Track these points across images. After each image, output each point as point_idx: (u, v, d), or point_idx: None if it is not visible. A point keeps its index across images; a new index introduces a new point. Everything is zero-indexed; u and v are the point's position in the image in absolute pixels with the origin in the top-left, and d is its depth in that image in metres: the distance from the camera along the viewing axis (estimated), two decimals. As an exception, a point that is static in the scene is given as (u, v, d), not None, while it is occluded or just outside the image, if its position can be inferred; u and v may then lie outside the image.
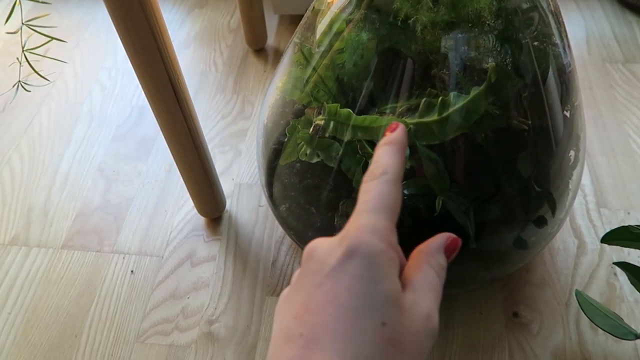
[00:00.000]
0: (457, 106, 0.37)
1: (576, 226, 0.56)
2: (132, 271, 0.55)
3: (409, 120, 0.39)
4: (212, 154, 0.64)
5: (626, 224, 0.57)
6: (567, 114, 0.43)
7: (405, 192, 0.42)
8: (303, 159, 0.44)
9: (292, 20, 0.81)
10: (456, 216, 0.41)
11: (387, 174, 0.24)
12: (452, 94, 0.37)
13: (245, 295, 0.52)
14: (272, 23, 0.80)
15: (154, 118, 0.68)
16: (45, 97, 0.73)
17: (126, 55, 0.77)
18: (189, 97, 0.44)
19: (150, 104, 0.43)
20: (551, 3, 0.38)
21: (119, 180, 0.63)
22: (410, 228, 0.45)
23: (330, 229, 0.48)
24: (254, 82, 0.72)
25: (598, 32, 0.76)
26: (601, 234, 0.56)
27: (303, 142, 0.44)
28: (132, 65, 0.39)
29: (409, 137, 0.39)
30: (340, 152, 0.42)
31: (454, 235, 0.27)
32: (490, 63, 0.36)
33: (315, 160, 0.43)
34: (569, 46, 0.41)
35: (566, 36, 0.40)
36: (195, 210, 0.58)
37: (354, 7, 0.39)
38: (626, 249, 0.55)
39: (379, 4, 0.37)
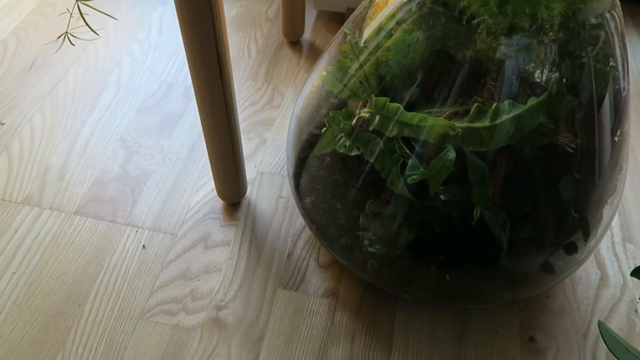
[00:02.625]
0: (511, 114, 0.36)
1: (600, 258, 0.55)
2: (143, 246, 0.53)
3: (458, 124, 0.38)
4: (238, 139, 0.63)
5: (651, 262, 0.56)
6: (616, 140, 0.42)
7: (442, 197, 0.41)
8: (341, 151, 0.43)
9: (329, 17, 0.80)
10: (492, 228, 0.40)
11: None
12: (507, 102, 0.36)
13: (257, 285, 0.51)
14: (310, 17, 0.79)
15: (181, 96, 0.67)
16: (74, 61, 0.72)
17: (160, 30, 0.76)
18: (232, 76, 0.43)
19: (192, 76, 0.42)
20: (619, 24, 0.37)
21: (140, 153, 0.61)
22: (440, 236, 0.44)
23: (354, 227, 0.47)
24: (286, 73, 0.71)
25: (637, 69, 0.75)
26: (625, 269, 0.55)
27: (342, 134, 0.43)
28: (183, 34, 0.38)
29: (456, 141, 0.38)
30: (380, 148, 0.41)
31: None
32: (553, 75, 0.35)
33: (354, 153, 0.42)
34: (628, 70, 0.40)
35: (627, 60, 0.39)
36: (214, 193, 0.57)
37: (419, 1, 0.38)
38: (649, 288, 0.53)
39: None
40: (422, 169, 0.39)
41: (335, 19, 0.79)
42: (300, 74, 0.72)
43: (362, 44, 0.45)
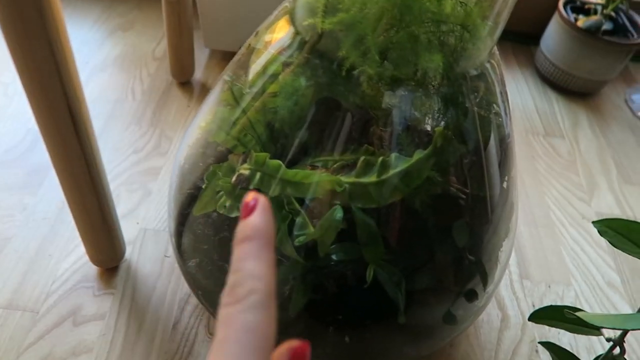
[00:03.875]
0: (398, 169, 0.33)
1: (500, 298, 0.55)
2: (-4, 328, 0.45)
3: (344, 179, 0.35)
4: (117, 192, 0.56)
5: (546, 299, 0.56)
6: (505, 185, 0.41)
7: (334, 257, 0.37)
8: (221, 212, 0.38)
9: (223, 56, 0.76)
10: (387, 288, 0.37)
11: (254, 294, 0.17)
12: (393, 155, 0.34)
13: (137, 363, 0.44)
14: (202, 56, 0.75)
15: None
16: None
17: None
18: (90, 126, 0.37)
19: (40, 129, 0.35)
20: (498, 72, 0.37)
21: (-3, 215, 0.53)
22: (335, 296, 0.41)
23: (245, 291, 0.42)
24: (175, 117, 0.66)
25: (522, 105, 0.79)
26: (524, 307, 0.54)
27: (223, 192, 0.38)
28: (22, 82, 0.32)
29: (344, 197, 0.35)
30: (264, 207, 0.37)
31: (300, 344, 0.20)
32: (437, 127, 0.33)
33: (235, 214, 0.37)
34: (510, 116, 0.40)
35: (508, 106, 0.39)
36: (86, 257, 0.50)
37: (295, 49, 0.35)
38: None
39: (324, 49, 0.34)
40: (310, 229, 0.36)
41: (229, 58, 0.75)
42: (191, 116, 0.67)
43: (245, 90, 0.41)
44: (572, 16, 0.78)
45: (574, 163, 0.71)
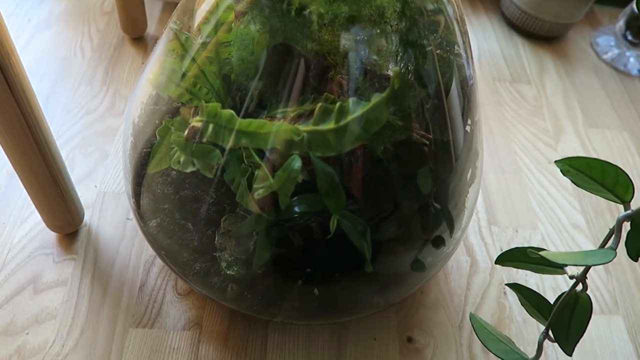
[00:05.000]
0: (356, 114, 0.32)
1: (469, 244, 0.55)
2: (-50, 301, 0.43)
3: (302, 128, 0.33)
4: (71, 156, 0.54)
5: (514, 243, 0.57)
6: (468, 129, 0.41)
7: (296, 209, 0.36)
8: (176, 167, 0.37)
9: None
10: (352, 238, 0.36)
11: None
12: (350, 100, 0.33)
13: (103, 327, 0.43)
14: (154, 10, 0.71)
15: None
16: None
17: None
18: (27, 85, 0.34)
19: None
20: (457, 10, 0.35)
21: (-57, 184, 0.50)
22: (301, 249, 0.40)
23: (210, 248, 0.41)
24: (129, 74, 0.63)
25: (488, 51, 0.78)
26: (492, 252, 0.55)
27: (176, 147, 0.37)
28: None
29: (302, 146, 0.34)
30: (221, 161, 0.36)
31: None
32: (393, 68, 0.32)
33: (190, 169, 0.36)
34: (472, 57, 0.38)
35: (470, 47, 0.38)
36: (43, 224, 0.48)
37: (241, -11, 0.33)
38: (515, 268, 0.54)
39: (271, -13, 0.32)
40: (269, 181, 0.34)
41: (184, 11, 0.72)
42: (147, 74, 0.64)
43: (194, 39, 0.39)
44: (538, -43, 0.76)
45: (540, 108, 0.71)
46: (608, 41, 0.81)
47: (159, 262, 0.48)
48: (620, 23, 0.80)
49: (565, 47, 0.81)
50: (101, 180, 0.53)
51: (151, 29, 0.68)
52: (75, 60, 0.63)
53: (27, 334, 0.42)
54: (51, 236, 0.48)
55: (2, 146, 0.38)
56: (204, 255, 0.42)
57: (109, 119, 0.58)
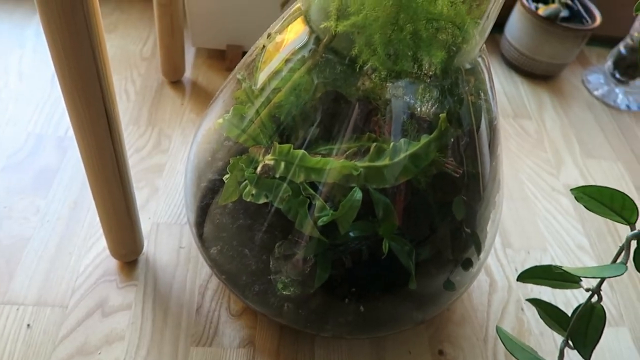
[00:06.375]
0: (408, 152, 0.38)
1: (487, 265, 0.61)
2: (28, 325, 0.47)
3: (359, 164, 0.39)
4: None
5: (527, 263, 0.63)
6: (493, 163, 0.47)
7: (351, 234, 0.42)
8: (248, 199, 0.42)
9: (209, 54, 0.79)
10: (400, 258, 0.42)
11: None
12: (402, 140, 0.39)
13: (166, 346, 0.48)
14: (188, 55, 0.77)
15: (54, 148, 0.61)
16: None
17: (20, 76, 0.69)
18: (121, 127, 0.40)
19: (76, 132, 0.38)
20: (487, 62, 0.42)
21: (12, 218, 0.54)
22: (351, 270, 0.45)
23: (265, 272, 0.46)
24: (171, 115, 0.69)
25: (491, 89, 0.85)
26: (508, 272, 0.61)
27: (247, 182, 0.42)
28: (62, 87, 0.35)
29: (359, 180, 0.39)
30: (287, 194, 0.41)
31: None
32: (441, 114, 0.38)
33: (262, 201, 0.41)
34: (496, 102, 0.45)
35: (495, 93, 0.44)
36: (106, 252, 0.52)
37: (311, 48, 0.39)
38: (529, 286, 0.60)
39: (337, 47, 0.38)
40: (331, 211, 0.40)
41: (215, 56, 0.78)
42: (186, 114, 0.69)
43: (256, 90, 0.45)
44: (532, 5, 0.84)
45: (541, 141, 0.78)
46: (598, 79, 0.89)
47: (212, 285, 0.53)
48: (609, 63, 0.88)
49: (560, 85, 0.89)
50: (154, 212, 0.58)
51: (187, 72, 0.75)
52: (121, 102, 0.69)
53: (100, 353, 0.46)
54: (113, 264, 0.52)
55: (90, 182, 0.43)
56: (261, 277, 0.47)
57: (157, 156, 0.63)
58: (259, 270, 0.47)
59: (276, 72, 0.42)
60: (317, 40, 0.39)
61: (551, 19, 0.82)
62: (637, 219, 0.38)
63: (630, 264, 0.37)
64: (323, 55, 0.38)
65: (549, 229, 0.66)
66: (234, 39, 0.74)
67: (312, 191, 0.42)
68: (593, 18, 0.84)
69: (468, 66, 0.39)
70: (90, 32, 0.32)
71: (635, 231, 0.37)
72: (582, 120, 0.83)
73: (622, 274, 0.36)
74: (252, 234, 0.47)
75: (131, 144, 0.64)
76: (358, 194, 0.38)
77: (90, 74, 0.33)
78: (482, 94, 0.42)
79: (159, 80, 0.73)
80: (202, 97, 0.72)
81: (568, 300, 0.59)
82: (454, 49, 0.37)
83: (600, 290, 0.42)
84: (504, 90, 0.85)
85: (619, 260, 0.39)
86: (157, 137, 0.66)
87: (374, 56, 0.36)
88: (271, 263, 0.46)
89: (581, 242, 0.65)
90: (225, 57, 0.76)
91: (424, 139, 0.38)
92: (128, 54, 0.76)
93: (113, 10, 0.83)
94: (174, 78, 0.72)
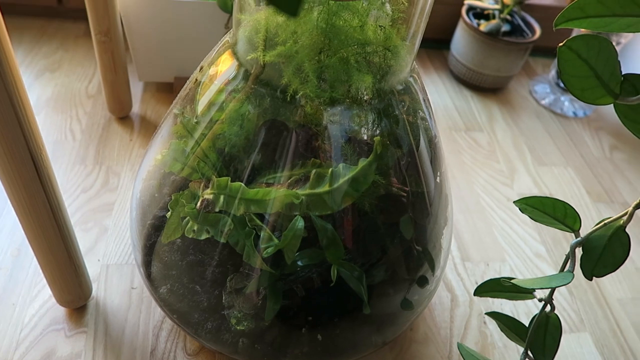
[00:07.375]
0: (347, 177, 0.38)
1: (447, 280, 0.61)
2: (-32, 385, 0.44)
3: (300, 192, 0.39)
4: (73, 233, 0.57)
5: (486, 276, 0.63)
6: (438, 180, 0.47)
7: (299, 263, 0.41)
8: (190, 236, 0.41)
9: (157, 88, 0.78)
10: (350, 283, 0.41)
11: None
12: (341, 165, 0.38)
13: (119, 395, 0.46)
14: (136, 89, 0.76)
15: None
16: None
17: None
18: (51, 169, 0.39)
19: (3, 181, 0.37)
20: (419, 82, 0.42)
21: (-50, 272, 0.52)
22: (303, 299, 0.44)
23: (218, 308, 0.45)
24: (119, 152, 0.67)
25: (442, 104, 0.87)
26: (469, 286, 0.61)
27: (189, 218, 0.41)
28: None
29: (302, 208, 0.39)
30: (230, 227, 0.41)
31: None
32: (376, 137, 0.38)
33: (204, 236, 0.40)
34: (434, 119, 0.45)
35: (432, 110, 0.45)
36: (52, 300, 0.50)
37: (240, 80, 0.39)
38: (490, 299, 0.60)
39: (267, 78, 0.38)
40: (275, 241, 0.39)
41: (163, 89, 0.78)
42: (135, 150, 0.68)
43: (194, 123, 0.44)
44: (474, 22, 0.87)
45: (494, 152, 0.79)
46: (544, 88, 0.92)
47: (166, 326, 0.51)
48: (553, 72, 0.91)
49: (508, 96, 0.91)
50: (103, 254, 0.56)
51: (135, 107, 0.73)
52: (66, 142, 0.67)
53: (47, 408, 0.44)
54: (61, 311, 0.50)
55: (25, 230, 0.41)
56: (214, 314, 0.45)
57: (105, 195, 0.62)
58: (211, 306, 0.45)
59: (212, 104, 0.42)
60: (246, 73, 0.39)
61: (493, 34, 0.84)
62: (580, 226, 0.38)
63: (579, 271, 0.38)
64: (252, 87, 0.38)
65: (507, 239, 0.67)
66: (181, 71, 0.74)
67: (258, 222, 0.42)
68: (533, 31, 0.87)
69: (399, 87, 0.39)
70: (6, 82, 0.31)
71: (578, 239, 0.38)
72: (532, 129, 0.85)
73: (569, 282, 0.36)
74: (203, 269, 0.46)
75: (78, 184, 0.62)
76: (300, 223, 0.38)
77: (8, 119, 0.32)
78: (419, 113, 0.43)
79: (106, 117, 0.71)
80: (151, 131, 0.71)
81: (529, 309, 0.60)
82: (383, 71, 0.37)
83: (552, 299, 0.43)
84: (455, 104, 0.87)
85: (566, 268, 0.39)
86: (105, 176, 0.64)
87: (304, 84, 0.36)
88: (224, 298, 0.45)
89: (538, 250, 0.66)
90: (174, 90, 0.75)
91: (362, 162, 0.38)
92: (73, 92, 0.74)
93: (56, 49, 0.82)
94: (121, 114, 0.71)
